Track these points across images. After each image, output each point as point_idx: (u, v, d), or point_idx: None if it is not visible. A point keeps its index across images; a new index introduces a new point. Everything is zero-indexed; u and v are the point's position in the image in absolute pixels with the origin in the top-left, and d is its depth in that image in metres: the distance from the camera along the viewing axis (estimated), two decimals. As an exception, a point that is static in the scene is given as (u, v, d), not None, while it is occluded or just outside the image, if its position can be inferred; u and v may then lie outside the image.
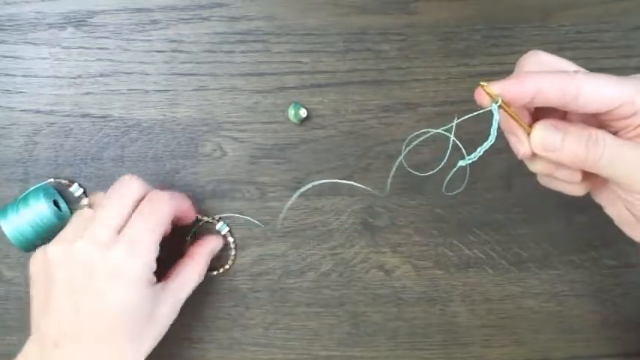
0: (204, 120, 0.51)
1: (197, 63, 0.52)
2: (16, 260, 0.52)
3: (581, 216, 0.51)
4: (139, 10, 0.52)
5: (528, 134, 0.36)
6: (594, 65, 0.51)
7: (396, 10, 0.51)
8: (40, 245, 0.48)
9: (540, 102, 0.35)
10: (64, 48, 0.52)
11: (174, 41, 0.51)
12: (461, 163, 0.36)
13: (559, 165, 0.37)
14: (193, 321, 0.51)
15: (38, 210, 0.49)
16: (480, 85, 0.34)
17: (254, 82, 0.51)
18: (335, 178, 0.48)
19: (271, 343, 0.52)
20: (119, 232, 0.42)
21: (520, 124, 0.36)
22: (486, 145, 0.35)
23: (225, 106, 0.52)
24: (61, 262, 0.42)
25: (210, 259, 0.49)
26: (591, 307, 0.51)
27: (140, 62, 0.52)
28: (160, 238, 0.43)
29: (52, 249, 0.43)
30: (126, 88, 0.52)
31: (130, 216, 0.43)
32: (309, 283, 0.51)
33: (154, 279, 0.44)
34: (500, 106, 0.34)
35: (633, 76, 0.36)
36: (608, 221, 0.49)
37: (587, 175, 0.38)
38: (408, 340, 0.51)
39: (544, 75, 0.35)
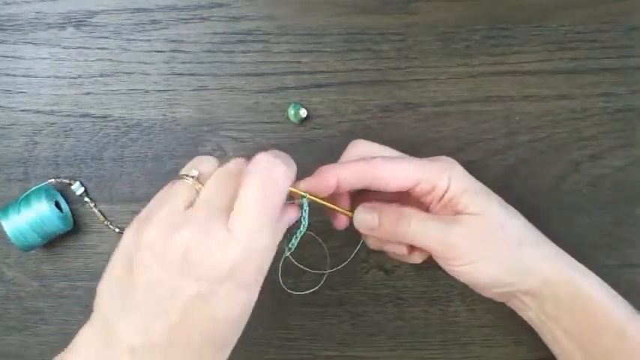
0: (205, 120, 0.51)
1: (197, 63, 0.51)
2: (16, 260, 0.52)
3: (581, 216, 0.51)
4: (139, 10, 0.52)
5: (349, 216, 0.43)
6: (596, 65, 0.51)
7: (396, 10, 0.51)
8: (40, 245, 0.49)
9: (347, 187, 0.40)
10: (64, 48, 0.52)
11: (174, 41, 0.51)
12: (286, 254, 0.41)
13: (384, 240, 0.44)
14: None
15: (39, 210, 0.49)
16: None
17: (254, 82, 0.51)
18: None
19: (271, 343, 0.52)
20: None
21: (339, 211, 0.43)
22: (301, 233, 0.40)
23: (225, 106, 0.51)
24: (157, 252, 0.33)
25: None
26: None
27: (140, 62, 0.52)
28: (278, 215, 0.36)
29: (150, 231, 0.34)
30: (126, 88, 0.52)
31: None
32: (310, 283, 0.51)
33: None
34: (309, 199, 0.39)
35: (437, 158, 0.43)
36: (609, 221, 0.50)
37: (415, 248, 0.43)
38: (408, 340, 0.51)
39: (343, 166, 0.41)
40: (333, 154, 0.49)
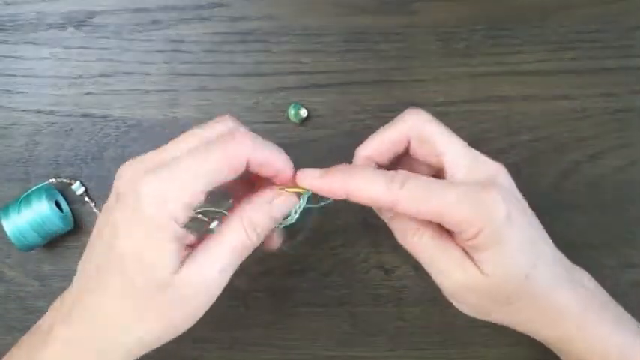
0: (205, 120, 0.47)
1: (197, 63, 0.51)
2: (17, 260, 0.52)
3: (581, 216, 0.51)
4: (139, 10, 0.51)
5: None
6: (596, 65, 0.51)
7: (396, 10, 0.51)
8: (41, 245, 0.50)
9: (356, 202, 0.36)
10: (64, 48, 0.52)
11: (175, 41, 0.51)
12: (283, 225, 0.39)
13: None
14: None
15: (40, 210, 0.49)
16: (285, 190, 0.37)
17: (254, 82, 0.51)
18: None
19: (271, 343, 0.51)
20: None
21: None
22: (285, 223, 0.38)
23: (225, 106, 0.51)
24: (114, 184, 0.35)
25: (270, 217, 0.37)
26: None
27: (140, 62, 0.52)
28: (211, 185, 0.34)
29: (123, 165, 0.36)
30: (126, 88, 0.52)
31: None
32: (310, 282, 0.51)
33: (188, 237, 0.35)
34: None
35: (486, 178, 0.36)
36: (609, 221, 0.50)
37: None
38: (408, 340, 0.51)
39: (358, 179, 0.35)
40: (333, 153, 0.50)
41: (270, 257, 0.51)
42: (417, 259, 0.38)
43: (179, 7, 0.51)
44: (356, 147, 0.49)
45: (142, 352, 0.36)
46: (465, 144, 0.38)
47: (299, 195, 0.37)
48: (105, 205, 0.36)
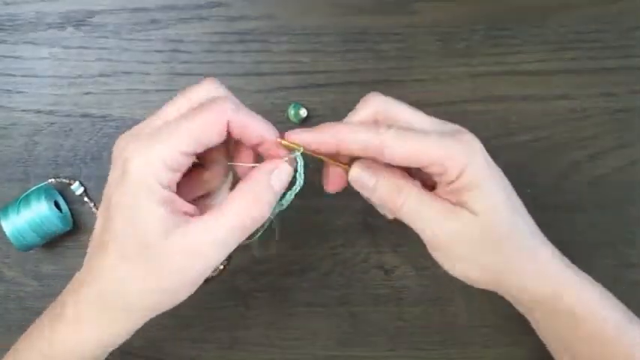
0: None
1: (196, 63, 0.51)
2: (16, 260, 0.52)
3: (581, 216, 0.51)
4: (138, 9, 0.51)
5: (345, 169, 0.39)
6: (596, 65, 0.51)
7: (396, 10, 0.51)
8: (40, 245, 0.50)
9: (347, 153, 0.37)
10: (63, 48, 0.52)
11: (174, 41, 0.51)
12: (277, 209, 0.38)
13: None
14: (193, 321, 0.51)
15: (38, 210, 0.49)
16: (277, 140, 0.36)
17: (254, 81, 0.51)
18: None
19: (271, 343, 0.51)
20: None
21: (333, 163, 0.39)
22: (295, 189, 0.38)
23: None
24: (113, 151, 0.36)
25: (272, 188, 0.37)
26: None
27: (140, 62, 0.52)
28: (193, 147, 0.34)
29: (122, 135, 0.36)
30: (125, 88, 0.52)
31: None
32: (310, 282, 0.51)
33: (182, 204, 0.35)
34: (303, 153, 0.37)
35: (460, 134, 0.37)
36: (609, 221, 0.50)
37: None
38: (408, 340, 0.51)
39: (348, 129, 0.36)
40: None
41: (269, 257, 0.51)
42: (406, 221, 0.38)
43: (178, 6, 0.51)
44: None
45: (146, 317, 0.36)
46: (432, 117, 0.39)
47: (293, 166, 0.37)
48: None
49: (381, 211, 0.42)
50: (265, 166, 0.37)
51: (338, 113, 0.51)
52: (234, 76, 0.51)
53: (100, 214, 0.36)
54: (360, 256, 0.51)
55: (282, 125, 0.50)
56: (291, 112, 0.50)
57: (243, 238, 0.35)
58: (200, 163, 0.39)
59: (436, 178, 0.38)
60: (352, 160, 0.39)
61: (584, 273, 0.40)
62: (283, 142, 0.36)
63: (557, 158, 0.51)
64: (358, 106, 0.39)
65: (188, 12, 0.51)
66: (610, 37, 0.51)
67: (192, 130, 0.34)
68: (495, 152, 0.48)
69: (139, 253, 0.34)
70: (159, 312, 0.36)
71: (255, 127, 0.36)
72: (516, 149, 0.51)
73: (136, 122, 0.48)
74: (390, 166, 0.38)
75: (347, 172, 0.39)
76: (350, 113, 0.39)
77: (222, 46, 0.51)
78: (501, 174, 0.38)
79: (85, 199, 0.52)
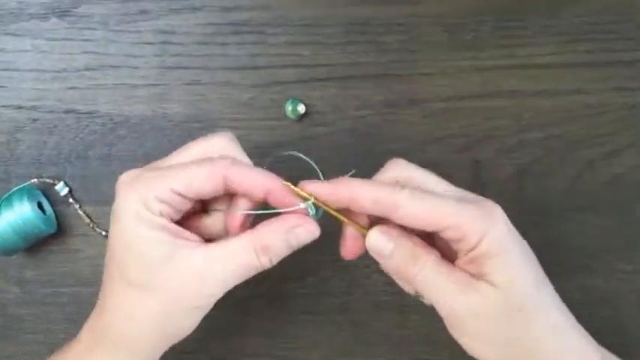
0: (197, 116, 0.50)
1: (189, 55, 0.50)
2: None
3: (596, 218, 0.49)
4: (127, -1, 0.50)
5: (362, 233, 0.38)
6: (611, 58, 0.49)
7: (400, 0, 0.49)
8: (22, 249, 0.48)
9: (361, 211, 0.37)
10: (47, 40, 0.50)
11: (165, 32, 0.50)
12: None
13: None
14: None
15: (21, 212, 0.47)
16: (285, 184, 0.36)
17: (249, 75, 0.50)
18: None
19: (268, 352, 0.50)
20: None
21: (350, 223, 0.38)
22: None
23: (218, 101, 0.50)
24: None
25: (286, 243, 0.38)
26: (604, 312, 0.49)
27: (128, 55, 0.50)
28: (185, 190, 0.36)
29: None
30: (113, 83, 0.50)
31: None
32: (309, 289, 0.50)
33: (173, 228, 0.36)
34: (316, 204, 0.37)
35: (480, 202, 0.36)
36: (625, 223, 0.49)
37: None
38: (411, 349, 0.50)
39: (363, 185, 0.36)
40: (333, 152, 0.49)
41: None
42: (421, 293, 0.37)
43: (169, -5, 0.50)
44: (357, 145, 0.49)
45: (158, 343, 0.37)
46: (448, 182, 0.38)
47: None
48: None
49: (400, 283, 0.41)
50: (290, 221, 0.37)
51: (338, 109, 0.50)
52: (229, 69, 0.50)
53: (107, 243, 0.38)
54: (362, 260, 0.48)
55: (279, 122, 0.50)
56: (289, 107, 0.49)
57: (242, 279, 0.37)
58: (205, 209, 0.40)
59: (455, 246, 0.37)
60: (371, 225, 0.39)
61: None
62: (293, 188, 0.36)
63: (571, 157, 0.49)
64: (379, 171, 0.39)
65: (180, 2, 0.50)
66: (626, 29, 0.49)
67: (183, 176, 0.36)
68: (506, 151, 0.49)
69: (141, 277, 0.35)
70: (164, 346, 0.38)
71: (255, 179, 0.36)
72: (528, 147, 0.49)
73: (125, 119, 0.50)
74: (408, 234, 0.38)
75: (364, 235, 0.38)
76: (370, 180, 0.38)
77: (215, 37, 0.50)
78: (525, 244, 0.37)
79: (70, 200, 0.50)
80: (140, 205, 0.35)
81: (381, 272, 0.47)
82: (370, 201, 0.35)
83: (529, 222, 0.47)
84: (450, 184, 0.38)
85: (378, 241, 0.38)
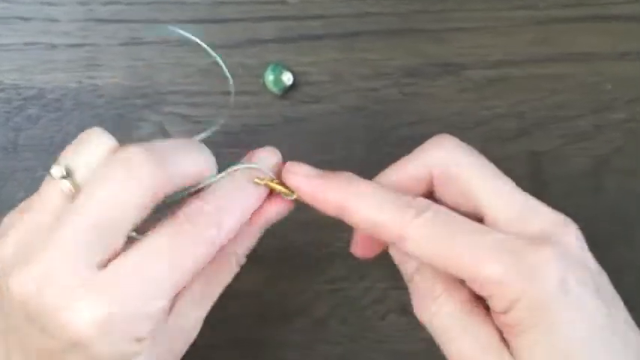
0: (139, 89, 0.43)
1: (127, 4, 0.43)
2: None
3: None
4: None
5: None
6: None
7: None
8: None
9: (352, 224, 0.32)
10: None
11: (93, -29, 0.43)
12: None
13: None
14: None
15: None
16: (256, 180, 0.33)
17: (212, 31, 0.43)
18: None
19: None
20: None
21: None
22: None
23: (169, 68, 0.43)
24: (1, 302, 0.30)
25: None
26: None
27: (43, 3, 0.43)
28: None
29: None
30: (22, 42, 0.43)
31: None
32: (298, 333, 0.42)
33: (162, 305, 0.30)
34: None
35: (542, 228, 0.30)
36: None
37: None
38: None
39: (363, 193, 0.31)
40: (331, 139, 0.43)
41: (239, 294, 0.40)
42: (435, 338, 0.33)
43: None
44: (365, 129, 0.43)
45: None
46: (514, 185, 0.32)
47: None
48: None
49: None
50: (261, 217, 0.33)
51: (339, 79, 0.42)
52: (184, 23, 0.43)
53: None
54: (373, 293, 0.42)
55: (256, 97, 0.44)
56: (270, 77, 0.42)
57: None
58: None
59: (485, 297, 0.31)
60: None
61: None
62: (270, 183, 0.32)
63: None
64: (415, 151, 0.34)
65: None
66: None
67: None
68: (577, 138, 0.42)
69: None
70: None
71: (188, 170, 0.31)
72: (606, 132, 0.42)
73: (38, 92, 0.43)
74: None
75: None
76: (400, 160, 0.34)
77: (164, -23, 0.44)
78: (592, 298, 0.29)
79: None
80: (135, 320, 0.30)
81: (400, 311, 0.43)
82: (365, 221, 0.30)
83: (610, 235, 0.43)
84: (512, 189, 0.31)
85: (401, 260, 0.34)
